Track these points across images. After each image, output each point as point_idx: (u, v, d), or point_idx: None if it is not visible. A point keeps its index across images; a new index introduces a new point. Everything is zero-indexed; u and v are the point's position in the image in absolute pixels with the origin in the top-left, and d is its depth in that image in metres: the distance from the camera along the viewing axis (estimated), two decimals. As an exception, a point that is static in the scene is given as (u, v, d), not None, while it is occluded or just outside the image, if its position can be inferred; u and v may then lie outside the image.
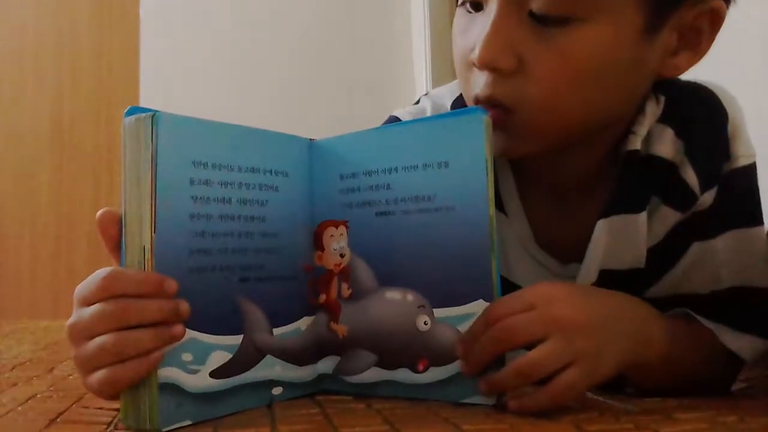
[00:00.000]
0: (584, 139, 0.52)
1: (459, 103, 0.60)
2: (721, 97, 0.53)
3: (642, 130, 0.52)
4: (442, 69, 1.99)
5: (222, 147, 0.44)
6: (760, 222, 0.53)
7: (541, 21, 0.45)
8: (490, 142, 0.45)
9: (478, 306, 0.44)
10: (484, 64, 0.47)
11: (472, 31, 0.49)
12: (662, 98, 0.53)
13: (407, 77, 2.11)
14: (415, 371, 0.47)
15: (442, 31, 2.02)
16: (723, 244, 0.51)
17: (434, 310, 0.46)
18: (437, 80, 1.97)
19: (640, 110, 0.52)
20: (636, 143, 0.51)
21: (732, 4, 0.49)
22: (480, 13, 0.49)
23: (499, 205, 0.57)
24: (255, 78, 2.04)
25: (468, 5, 0.50)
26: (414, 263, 0.47)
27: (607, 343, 0.43)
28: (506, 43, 0.46)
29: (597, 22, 0.44)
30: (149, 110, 0.41)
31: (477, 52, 0.46)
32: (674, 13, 0.46)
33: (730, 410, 0.44)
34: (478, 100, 0.48)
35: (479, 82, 0.48)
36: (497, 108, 0.47)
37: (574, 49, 0.45)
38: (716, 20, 0.47)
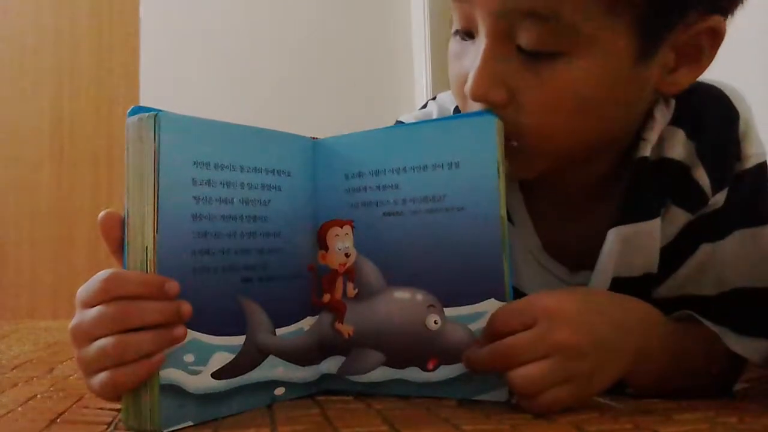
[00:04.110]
0: (589, 155, 0.51)
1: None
2: (731, 96, 0.53)
3: (652, 136, 0.51)
4: (442, 71, 1.99)
5: (224, 147, 0.44)
6: None
7: (530, 55, 0.45)
8: (501, 144, 0.45)
9: (490, 305, 0.44)
10: (475, 98, 0.47)
11: (466, 59, 0.49)
12: (672, 101, 0.52)
13: (407, 79, 2.11)
14: (425, 370, 0.47)
15: (442, 34, 2.02)
16: (731, 244, 0.51)
17: (445, 309, 0.46)
18: (437, 82, 1.97)
19: (650, 115, 0.51)
20: (646, 150, 0.51)
21: (730, 18, 0.48)
22: (472, 41, 0.49)
23: (507, 216, 0.57)
24: (255, 79, 2.04)
25: (460, 33, 0.50)
26: (423, 263, 0.47)
27: (604, 364, 0.43)
28: (496, 76, 0.46)
29: (586, 55, 0.44)
30: (152, 110, 0.41)
31: (468, 85, 0.47)
32: (668, 35, 0.46)
33: (730, 411, 0.44)
34: None
35: (474, 111, 0.48)
36: None
37: (564, 83, 0.45)
38: (716, 37, 0.47)
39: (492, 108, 0.47)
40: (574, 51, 0.44)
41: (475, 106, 0.48)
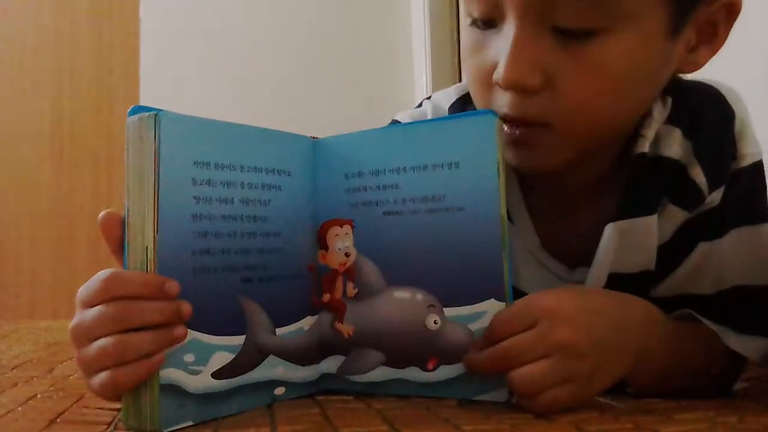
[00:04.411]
0: (611, 141, 0.51)
1: (457, 106, 0.60)
2: (727, 95, 0.53)
3: (650, 132, 0.51)
4: (442, 71, 1.99)
5: (224, 146, 0.44)
6: (767, 220, 0.53)
7: (566, 34, 0.44)
8: (501, 144, 0.45)
9: (490, 305, 0.44)
10: (511, 85, 0.45)
11: (488, 50, 0.48)
12: (669, 99, 0.53)
13: (407, 79, 2.11)
14: (425, 370, 0.47)
15: (442, 32, 2.02)
16: (729, 242, 0.52)
17: (445, 309, 0.46)
18: (437, 82, 1.97)
19: (647, 113, 0.52)
20: (644, 146, 0.51)
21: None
22: (493, 30, 0.47)
23: (506, 214, 0.57)
24: (255, 79, 2.04)
25: (479, 23, 0.48)
26: (423, 263, 0.47)
27: (605, 363, 0.43)
28: (531, 60, 0.45)
29: (622, 30, 0.44)
30: (152, 109, 0.41)
31: (501, 72, 0.45)
32: (695, 11, 0.46)
33: (730, 410, 0.44)
34: (507, 119, 0.47)
35: (504, 102, 0.47)
36: (529, 126, 0.47)
37: (602, 60, 0.44)
38: (732, 12, 0.47)
39: (526, 94, 0.45)
40: (610, 26, 0.43)
41: (505, 96, 0.47)
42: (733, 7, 0.47)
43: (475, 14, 0.48)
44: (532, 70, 0.45)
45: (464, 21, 0.50)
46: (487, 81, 0.48)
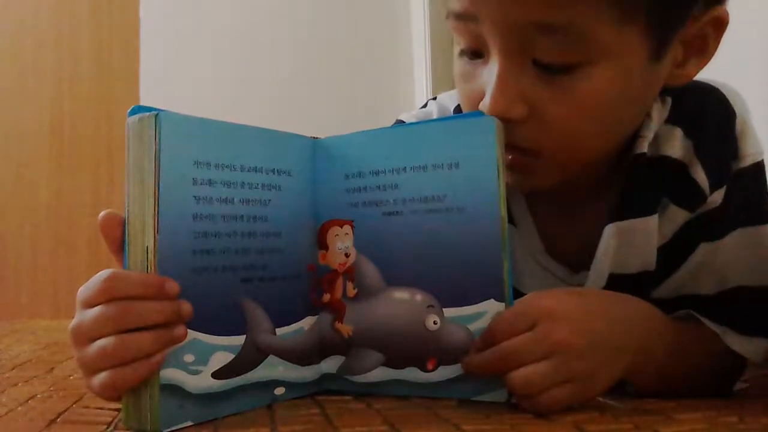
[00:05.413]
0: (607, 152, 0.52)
1: (461, 108, 0.61)
2: (727, 95, 0.53)
3: (649, 133, 0.51)
4: (442, 71, 1.99)
5: (224, 146, 0.44)
6: None
7: (547, 68, 0.44)
8: (501, 144, 0.45)
9: (490, 305, 0.44)
10: (496, 116, 0.46)
11: (477, 79, 0.48)
12: (668, 99, 0.53)
13: (407, 79, 2.11)
14: (425, 370, 0.47)
15: (442, 32, 2.02)
16: (731, 243, 0.52)
17: (444, 309, 0.46)
18: (437, 82, 1.97)
19: (646, 113, 0.52)
20: (643, 146, 0.51)
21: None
22: (481, 60, 0.48)
23: (509, 217, 0.57)
24: (255, 79, 2.04)
25: (467, 53, 0.49)
26: (423, 263, 0.47)
27: (605, 363, 0.43)
28: (515, 93, 0.45)
29: (603, 62, 0.44)
30: (153, 109, 0.41)
31: (487, 105, 0.46)
32: (678, 33, 0.46)
33: (730, 410, 0.44)
34: None
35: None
36: (517, 153, 0.47)
37: (584, 93, 0.45)
38: (720, 24, 0.47)
39: (512, 124, 0.46)
40: (591, 60, 0.44)
41: None
42: (721, 20, 0.47)
43: (462, 45, 0.49)
44: (516, 102, 0.45)
45: (455, 49, 0.51)
46: (476, 108, 0.48)
